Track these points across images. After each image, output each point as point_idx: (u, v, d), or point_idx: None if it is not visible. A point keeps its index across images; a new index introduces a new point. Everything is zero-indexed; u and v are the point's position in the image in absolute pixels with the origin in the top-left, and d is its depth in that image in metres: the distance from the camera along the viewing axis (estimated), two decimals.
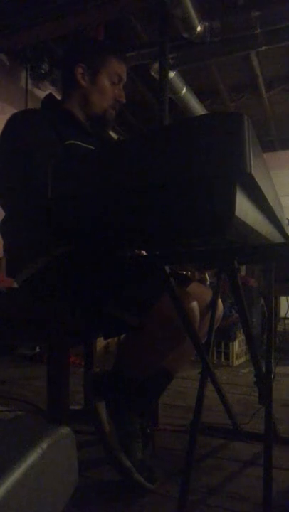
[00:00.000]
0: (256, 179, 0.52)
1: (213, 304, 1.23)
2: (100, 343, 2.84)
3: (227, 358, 2.86)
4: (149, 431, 1.13)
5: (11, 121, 1.15)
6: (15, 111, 1.21)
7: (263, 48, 3.14)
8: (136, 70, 3.75)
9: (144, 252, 1.26)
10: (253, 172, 0.51)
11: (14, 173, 1.12)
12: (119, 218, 0.63)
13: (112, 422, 1.04)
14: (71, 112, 1.24)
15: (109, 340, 2.74)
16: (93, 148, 1.20)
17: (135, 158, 0.59)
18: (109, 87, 1.25)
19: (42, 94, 3.80)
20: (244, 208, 0.56)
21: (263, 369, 1.06)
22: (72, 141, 1.16)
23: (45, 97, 1.29)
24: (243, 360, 2.98)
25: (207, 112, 3.92)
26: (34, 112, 1.25)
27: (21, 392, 2.00)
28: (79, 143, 1.17)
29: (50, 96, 1.30)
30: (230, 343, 2.86)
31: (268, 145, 5.46)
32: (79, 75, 1.23)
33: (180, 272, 1.61)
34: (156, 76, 3.36)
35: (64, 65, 1.28)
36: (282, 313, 3.46)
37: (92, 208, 0.65)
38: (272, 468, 0.89)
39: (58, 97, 1.31)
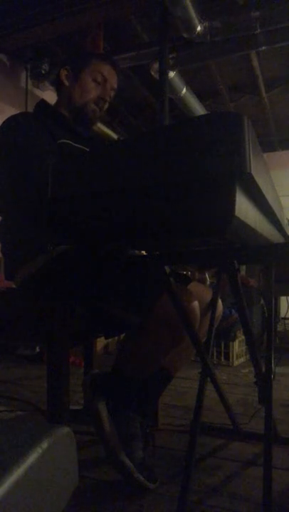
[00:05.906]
0: (256, 179, 0.52)
1: (213, 304, 1.23)
2: (100, 343, 2.84)
3: (227, 358, 2.86)
4: (148, 431, 1.13)
5: (5, 124, 1.18)
6: (15, 111, 1.24)
7: (263, 47, 3.14)
8: (136, 70, 3.75)
9: (144, 252, 1.26)
10: (253, 172, 0.51)
11: (10, 172, 1.14)
12: (119, 218, 0.63)
13: (112, 421, 1.04)
14: (61, 114, 1.29)
15: (109, 340, 2.75)
16: (83, 148, 1.25)
17: (135, 158, 0.59)
18: (91, 83, 1.29)
19: (42, 94, 3.81)
20: (244, 208, 0.56)
21: (263, 369, 1.06)
22: (64, 140, 1.20)
23: (37, 103, 1.34)
24: (243, 360, 2.98)
25: (207, 112, 3.92)
26: (27, 114, 1.31)
27: (21, 392, 2.00)
28: (70, 142, 1.21)
29: (42, 101, 1.34)
30: (230, 343, 2.86)
31: (268, 145, 5.46)
32: (63, 76, 1.29)
33: (180, 272, 1.61)
34: (156, 76, 3.35)
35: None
36: (282, 313, 3.47)
37: (92, 208, 0.65)
38: (272, 468, 0.89)
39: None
